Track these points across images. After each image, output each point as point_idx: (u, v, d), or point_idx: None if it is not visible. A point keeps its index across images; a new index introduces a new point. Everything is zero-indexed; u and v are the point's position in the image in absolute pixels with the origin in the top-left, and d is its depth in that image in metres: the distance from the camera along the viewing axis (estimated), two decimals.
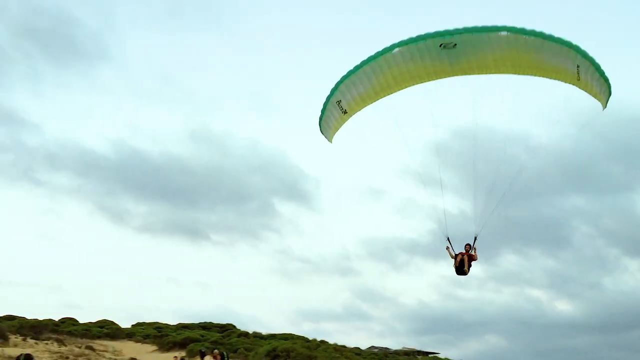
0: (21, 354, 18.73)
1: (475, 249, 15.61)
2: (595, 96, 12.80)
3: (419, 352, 74.89)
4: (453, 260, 15.54)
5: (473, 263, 15.82)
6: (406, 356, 67.11)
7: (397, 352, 74.34)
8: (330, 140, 14.90)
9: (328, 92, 13.58)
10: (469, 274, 15.45)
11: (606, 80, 12.27)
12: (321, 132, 14.62)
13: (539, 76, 12.79)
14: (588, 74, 12.16)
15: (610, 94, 12.68)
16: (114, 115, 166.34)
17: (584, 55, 11.89)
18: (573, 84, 12.64)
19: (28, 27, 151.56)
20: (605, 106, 13.03)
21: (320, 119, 14.27)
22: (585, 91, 12.73)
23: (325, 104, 13.90)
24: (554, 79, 12.74)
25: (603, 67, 12.13)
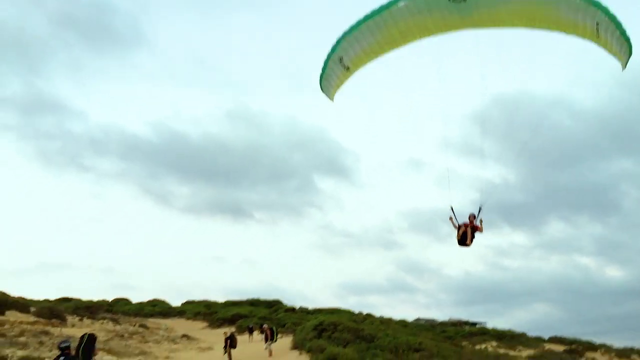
0: (85, 334, 19.46)
1: (481, 220, 14.77)
2: (615, 54, 12.12)
3: (466, 323, 74.54)
4: (456, 231, 14.84)
5: (477, 234, 15.11)
6: (453, 327, 66.85)
7: (444, 323, 74.18)
8: (331, 98, 14.08)
9: (329, 49, 13.03)
10: (471, 245, 14.79)
11: (627, 39, 11.48)
12: (322, 90, 13.87)
13: (556, 30, 12.16)
14: (608, 31, 11.45)
15: (630, 53, 11.87)
16: (153, 99, 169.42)
17: (605, 11, 11.24)
18: (592, 40, 12.02)
19: (66, 17, 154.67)
20: (624, 66, 12.34)
21: (321, 77, 13.55)
22: (605, 49, 12.09)
23: (326, 62, 13.24)
24: (571, 34, 12.09)
25: (625, 26, 11.47)
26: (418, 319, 76.62)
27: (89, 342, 18.28)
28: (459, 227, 14.80)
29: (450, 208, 14.87)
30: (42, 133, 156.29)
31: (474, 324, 72.25)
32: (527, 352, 39.77)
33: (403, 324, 57.62)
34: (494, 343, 45.86)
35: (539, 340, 51.29)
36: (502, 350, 39.58)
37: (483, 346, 42.65)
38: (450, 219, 14.94)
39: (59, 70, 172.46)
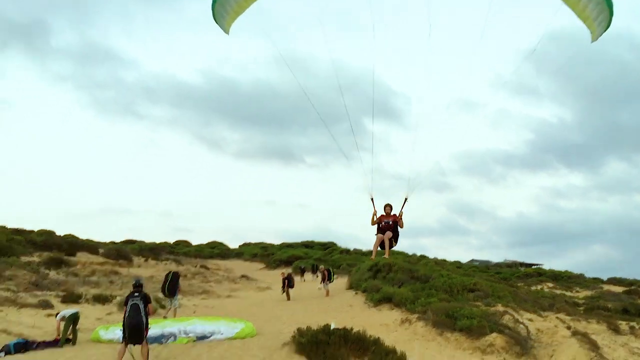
0: (169, 272, 20.82)
1: (401, 214, 12.89)
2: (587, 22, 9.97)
3: (522, 264, 74.16)
4: (376, 226, 13.00)
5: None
6: (508, 268, 66.68)
7: (498, 265, 74.04)
8: (227, 31, 11.68)
9: None
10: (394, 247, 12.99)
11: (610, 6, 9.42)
12: (215, 21, 11.28)
13: None
14: None
15: (608, 25, 9.85)
16: (202, 47, 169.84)
17: None
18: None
19: None
20: (596, 38, 10.24)
21: (213, 6, 11.02)
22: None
23: None
24: None
25: None
26: (472, 261, 76.74)
27: (173, 279, 19.59)
28: (378, 223, 13.03)
29: (371, 197, 12.84)
30: (96, 82, 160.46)
31: (529, 266, 71.83)
32: (584, 293, 39.44)
33: (457, 265, 57.86)
34: (550, 284, 45.64)
35: (597, 282, 50.73)
36: (558, 291, 39.38)
37: (539, 287, 42.52)
38: (374, 214, 13.01)
39: (111, 20, 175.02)
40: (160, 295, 24.59)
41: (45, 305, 18.73)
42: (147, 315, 10.70)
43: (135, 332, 10.54)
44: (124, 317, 10.79)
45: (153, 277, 33.30)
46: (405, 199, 12.90)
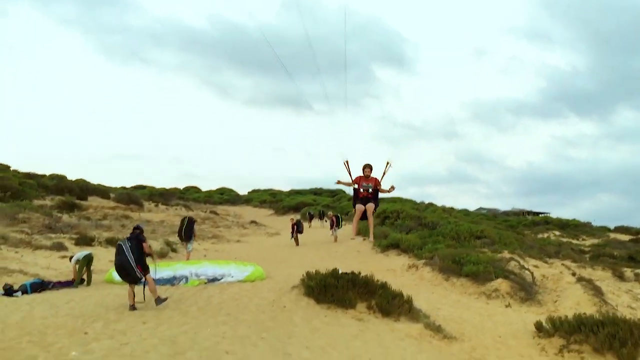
0: (185, 217, 21.18)
1: (381, 181, 11.71)
2: None
3: (529, 213, 74.47)
4: (353, 191, 11.88)
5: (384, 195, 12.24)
6: (516, 216, 66.98)
7: (506, 213, 74.37)
8: None
9: None
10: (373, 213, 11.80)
11: None
12: None
13: None
14: None
15: None
16: None
17: None
18: None
19: None
20: None
21: None
22: None
23: None
24: None
25: None
26: (480, 209, 77.03)
27: (189, 224, 19.93)
28: (355, 190, 11.85)
29: (344, 163, 11.60)
30: (103, 27, 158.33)
31: (536, 214, 72.09)
32: (590, 242, 39.70)
33: (465, 213, 58.11)
34: (557, 232, 45.91)
35: (604, 230, 50.92)
36: (565, 240, 39.66)
37: (546, 235, 42.81)
38: (338, 182, 11.93)
39: None
40: (171, 239, 25.05)
41: (59, 247, 19.13)
42: (136, 253, 10.75)
43: (123, 271, 10.73)
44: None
45: (164, 221, 33.77)
46: (388, 164, 11.60)
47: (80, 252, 15.13)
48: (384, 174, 11.63)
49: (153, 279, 11.21)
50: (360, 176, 11.78)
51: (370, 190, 11.68)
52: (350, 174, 11.70)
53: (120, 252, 10.73)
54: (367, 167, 11.74)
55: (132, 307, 10.50)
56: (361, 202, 11.73)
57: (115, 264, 10.90)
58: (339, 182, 11.84)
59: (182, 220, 20.48)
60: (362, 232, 30.09)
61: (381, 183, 11.74)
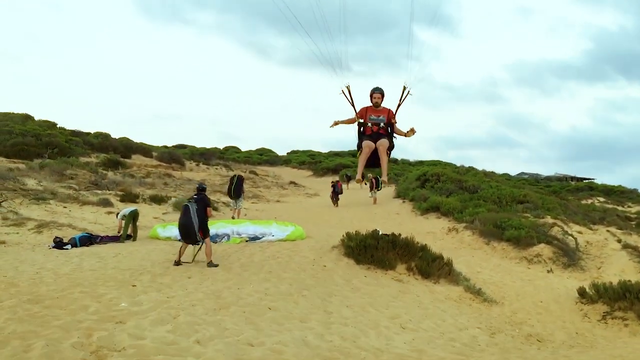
0: (234, 175, 21.68)
1: (395, 116, 8.80)
2: None
3: (572, 178, 72.76)
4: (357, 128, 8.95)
5: (406, 140, 8.99)
6: (559, 182, 65.57)
7: (548, 178, 72.85)
8: None
9: None
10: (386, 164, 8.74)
11: None
12: None
13: None
14: None
15: None
16: None
17: None
18: None
19: None
20: None
21: None
22: None
23: None
24: None
25: None
26: (521, 173, 75.70)
27: (238, 182, 20.37)
28: (360, 130, 8.92)
29: (342, 90, 8.80)
30: None
31: (580, 180, 70.41)
32: (636, 208, 38.66)
33: (506, 177, 57.20)
34: (602, 199, 44.84)
35: None
36: (610, 206, 38.72)
37: (590, 201, 41.87)
38: (336, 123, 9.01)
39: None
40: (213, 197, 25.44)
41: (106, 203, 19.67)
42: (201, 216, 10.95)
43: (185, 232, 10.93)
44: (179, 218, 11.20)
45: (205, 180, 34.29)
46: (405, 89, 8.76)
47: (126, 209, 15.53)
48: (399, 104, 8.83)
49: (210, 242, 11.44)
50: (366, 107, 8.89)
51: (382, 125, 8.76)
52: (353, 105, 8.88)
53: (186, 214, 10.92)
54: (377, 93, 8.79)
55: (177, 263, 10.76)
56: (370, 139, 8.70)
57: (179, 223, 11.08)
58: (336, 124, 8.95)
59: (232, 179, 20.88)
60: (401, 194, 30.01)
61: (396, 117, 8.85)
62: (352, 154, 78.27)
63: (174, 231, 15.11)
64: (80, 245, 13.16)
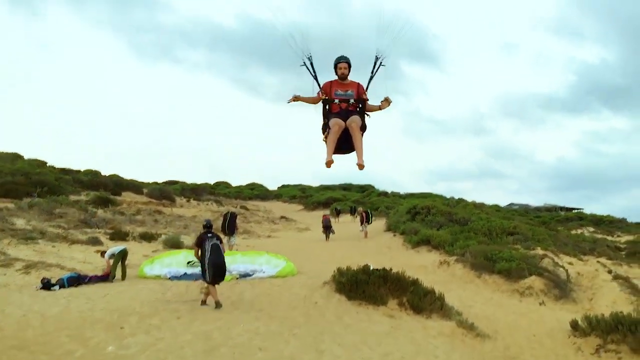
0: (228, 211, 21.81)
1: (366, 92, 7.71)
2: None
3: (562, 208, 73.11)
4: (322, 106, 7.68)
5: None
6: (548, 212, 65.85)
7: (538, 209, 73.16)
8: None
9: None
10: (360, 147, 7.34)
11: None
12: None
13: None
14: None
15: None
16: None
17: None
18: None
19: None
20: None
21: None
22: None
23: None
24: None
25: None
26: (511, 204, 76.03)
27: (231, 219, 20.53)
28: (326, 109, 7.65)
29: (303, 62, 7.71)
30: (134, 27, 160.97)
31: (569, 210, 70.76)
32: (626, 238, 38.82)
33: (496, 208, 57.40)
34: (591, 228, 45.02)
35: (639, 226, 49.75)
36: (599, 236, 38.88)
37: (579, 231, 42.03)
38: (296, 98, 7.53)
39: None
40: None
41: (95, 241, 19.51)
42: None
43: (221, 271, 10.79)
44: (205, 258, 10.79)
45: (195, 217, 34.15)
46: (378, 61, 7.72)
47: (115, 247, 15.41)
48: (371, 76, 7.81)
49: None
50: (331, 81, 7.67)
51: (352, 101, 7.58)
52: (316, 78, 7.71)
53: (218, 252, 10.76)
54: (343, 62, 7.61)
55: (204, 303, 10.73)
56: (338, 116, 7.44)
57: (213, 264, 10.72)
58: (295, 99, 7.53)
59: (225, 215, 21.26)
60: (392, 227, 29.97)
61: (367, 93, 7.70)
62: (343, 187, 78.52)
63: (163, 270, 15.02)
64: (69, 286, 12.99)
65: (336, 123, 7.29)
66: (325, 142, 7.42)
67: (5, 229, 18.66)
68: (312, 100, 7.56)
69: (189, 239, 23.06)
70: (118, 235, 21.26)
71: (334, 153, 7.30)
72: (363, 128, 7.47)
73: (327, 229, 29.37)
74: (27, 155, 46.26)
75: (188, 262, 15.66)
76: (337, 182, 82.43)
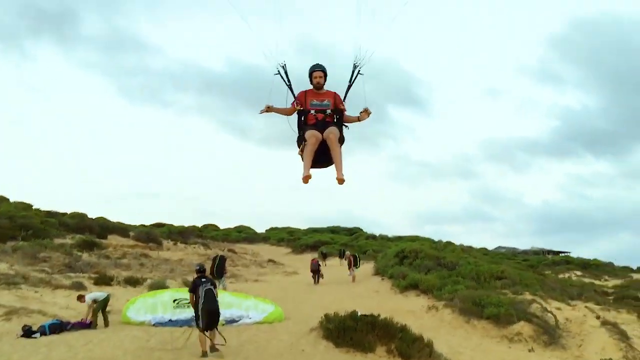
0: (217, 255, 21.83)
1: (344, 102, 7.40)
2: None
3: (549, 252, 73.31)
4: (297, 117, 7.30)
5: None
6: (536, 256, 65.97)
7: (525, 252, 73.30)
8: None
9: None
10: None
11: None
12: None
13: None
14: None
15: None
16: (225, 34, 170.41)
17: None
18: None
19: None
20: None
21: None
22: None
23: None
24: None
25: None
26: (498, 247, 76.09)
27: (220, 262, 20.53)
28: (299, 115, 7.27)
29: (277, 70, 7.35)
30: (124, 70, 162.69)
31: (557, 253, 70.97)
32: (613, 282, 38.85)
33: (484, 252, 57.43)
34: (579, 272, 45.06)
35: (626, 270, 49.92)
36: (587, 280, 38.89)
37: (567, 275, 42.05)
38: (268, 109, 7.26)
39: (137, 8, 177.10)
40: (190, 278, 25.06)
41: (79, 286, 19.19)
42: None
43: (213, 318, 10.67)
44: (199, 304, 10.64)
45: (182, 260, 33.83)
46: (356, 70, 7.42)
47: (96, 293, 15.17)
48: (349, 85, 7.48)
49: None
50: (306, 90, 7.32)
51: (328, 111, 7.23)
52: (291, 88, 7.36)
53: (212, 299, 10.65)
54: (318, 71, 7.25)
55: (206, 354, 10.45)
56: (314, 128, 7.05)
57: (208, 310, 10.60)
58: (268, 109, 7.24)
59: (214, 258, 21.36)
60: (380, 271, 29.82)
61: (344, 103, 7.36)
62: (331, 230, 78.26)
63: (147, 316, 14.78)
64: (50, 333, 12.73)
65: (312, 135, 6.91)
66: (301, 155, 7.05)
67: None
68: (286, 111, 7.25)
69: (175, 284, 22.77)
70: (102, 280, 20.94)
71: (313, 164, 6.98)
72: (341, 140, 7.14)
73: (316, 272, 29.26)
74: (13, 198, 45.78)
75: (174, 300, 15.47)
76: (325, 225, 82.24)
